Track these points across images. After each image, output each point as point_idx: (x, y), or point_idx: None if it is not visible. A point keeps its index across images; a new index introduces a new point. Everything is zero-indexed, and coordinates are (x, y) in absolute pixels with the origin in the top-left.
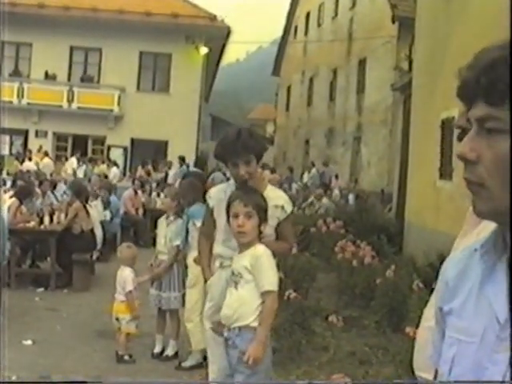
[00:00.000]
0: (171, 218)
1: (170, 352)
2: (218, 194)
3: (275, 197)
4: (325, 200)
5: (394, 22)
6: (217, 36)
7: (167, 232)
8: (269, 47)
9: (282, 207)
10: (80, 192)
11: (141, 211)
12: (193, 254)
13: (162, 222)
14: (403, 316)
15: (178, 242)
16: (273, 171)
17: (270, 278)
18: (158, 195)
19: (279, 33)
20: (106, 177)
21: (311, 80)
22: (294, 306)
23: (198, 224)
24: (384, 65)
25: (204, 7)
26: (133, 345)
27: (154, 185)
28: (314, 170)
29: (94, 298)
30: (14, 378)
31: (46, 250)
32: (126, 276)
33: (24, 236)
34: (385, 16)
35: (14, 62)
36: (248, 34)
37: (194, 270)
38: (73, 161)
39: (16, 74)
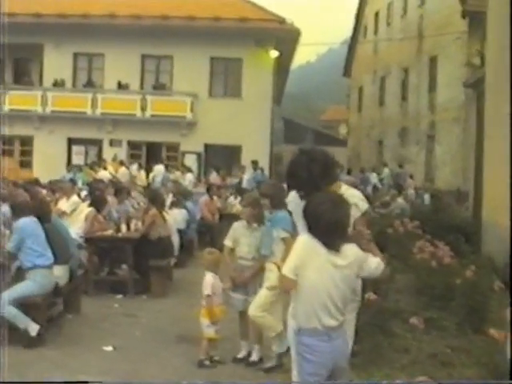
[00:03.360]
0: (255, 225)
1: (255, 357)
2: (296, 197)
3: (349, 195)
4: (400, 200)
5: (464, 17)
6: (286, 39)
7: (252, 239)
8: (339, 48)
9: (356, 205)
10: (156, 199)
11: (217, 216)
12: (274, 260)
13: (240, 227)
14: (484, 317)
15: (265, 252)
16: (349, 172)
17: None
18: (236, 198)
19: (349, 33)
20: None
21: (382, 80)
22: (373, 307)
23: (283, 233)
24: (455, 61)
25: (272, 10)
26: (214, 349)
27: (229, 190)
28: (386, 170)
29: (172, 304)
30: None
31: (123, 257)
32: (206, 281)
33: (101, 244)
34: (454, 12)
35: (87, 73)
36: (317, 36)
37: (275, 274)
38: (160, 168)
39: (89, 84)
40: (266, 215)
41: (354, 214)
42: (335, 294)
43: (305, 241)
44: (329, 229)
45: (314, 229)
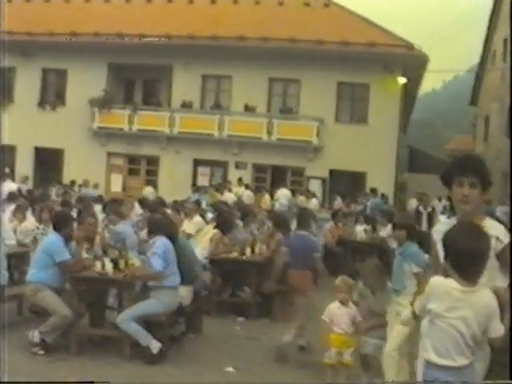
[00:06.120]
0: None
1: None
2: (442, 227)
3: (491, 226)
4: None
5: None
6: (414, 65)
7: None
8: (465, 75)
9: (497, 238)
10: (282, 223)
11: (340, 243)
12: (406, 297)
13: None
14: None
15: (397, 287)
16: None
17: None
18: (360, 225)
19: (476, 60)
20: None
21: (510, 109)
22: (499, 345)
23: (416, 268)
24: None
25: (400, 35)
26: (335, 376)
27: (353, 217)
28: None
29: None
30: None
31: (246, 279)
32: (327, 308)
33: (225, 266)
34: None
35: (215, 95)
36: (444, 62)
37: (408, 309)
38: (286, 193)
39: (217, 106)
40: (397, 248)
41: (495, 246)
42: (467, 333)
43: (438, 281)
44: (466, 259)
45: (451, 257)
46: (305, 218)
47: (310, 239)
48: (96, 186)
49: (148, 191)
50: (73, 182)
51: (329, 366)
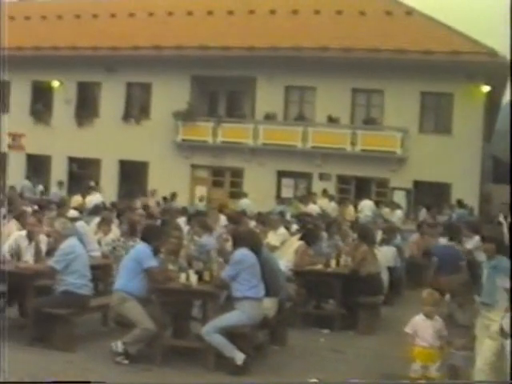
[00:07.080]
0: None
1: None
2: None
3: None
4: None
5: None
6: (498, 72)
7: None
8: None
9: None
10: (367, 235)
11: (426, 255)
12: (497, 312)
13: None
14: None
15: (487, 301)
16: None
17: None
18: (443, 237)
19: None
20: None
21: None
22: None
23: (508, 284)
24: None
25: (483, 41)
26: None
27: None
28: None
29: (379, 342)
30: None
31: (331, 292)
32: (411, 320)
33: (310, 278)
34: None
35: (299, 107)
36: None
37: (498, 324)
38: (367, 203)
39: (300, 118)
40: (486, 261)
41: None
42: None
43: None
44: None
45: None
46: (455, 230)
47: (456, 249)
48: (202, 199)
49: (244, 203)
50: (173, 195)
51: (413, 379)
